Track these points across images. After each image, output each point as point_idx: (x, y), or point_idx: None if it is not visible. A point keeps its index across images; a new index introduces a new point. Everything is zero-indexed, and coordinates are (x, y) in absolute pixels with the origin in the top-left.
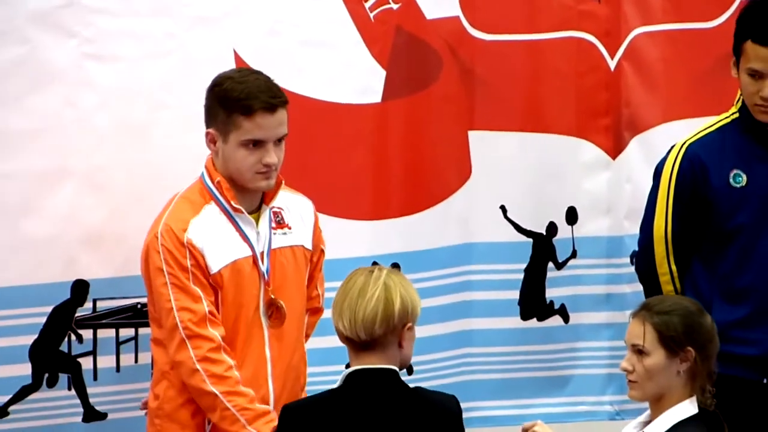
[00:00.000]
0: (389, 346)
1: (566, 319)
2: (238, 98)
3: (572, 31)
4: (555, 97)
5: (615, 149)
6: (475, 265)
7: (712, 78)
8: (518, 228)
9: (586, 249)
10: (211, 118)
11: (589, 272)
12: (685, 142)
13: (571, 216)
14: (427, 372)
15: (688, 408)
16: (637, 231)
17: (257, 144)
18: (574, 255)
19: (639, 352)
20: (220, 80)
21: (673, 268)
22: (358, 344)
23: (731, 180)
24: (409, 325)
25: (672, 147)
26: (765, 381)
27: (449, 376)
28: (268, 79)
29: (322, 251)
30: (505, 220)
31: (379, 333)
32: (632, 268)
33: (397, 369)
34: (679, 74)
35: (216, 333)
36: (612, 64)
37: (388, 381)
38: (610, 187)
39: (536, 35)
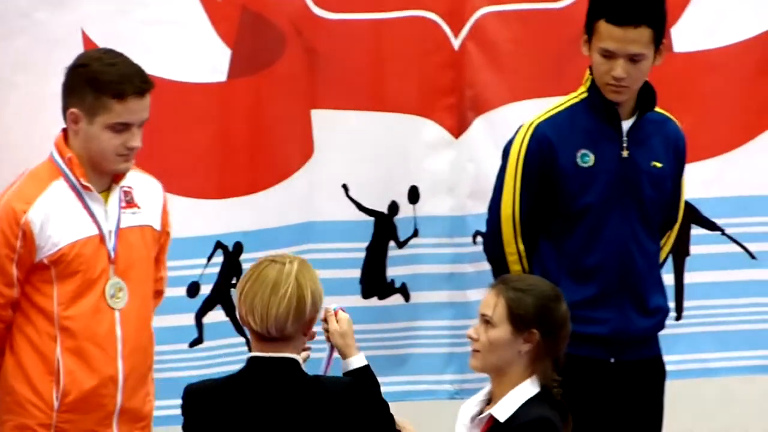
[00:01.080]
0: (296, 336)
1: (407, 297)
2: (110, 81)
3: (416, 10)
4: (398, 76)
5: (458, 129)
6: (317, 243)
7: (561, 58)
8: (360, 207)
9: (427, 228)
10: (74, 98)
11: (431, 251)
12: (533, 122)
13: (413, 195)
14: None
15: (529, 388)
16: (481, 211)
17: (123, 127)
18: (415, 234)
19: (486, 322)
20: (86, 60)
21: (521, 247)
22: (267, 338)
23: (578, 160)
24: (316, 315)
25: (520, 126)
26: (612, 360)
27: None
28: (134, 63)
29: (168, 234)
30: (347, 199)
31: (291, 331)
32: (475, 248)
33: (299, 358)
34: (527, 54)
35: (11, 314)
36: (456, 43)
37: (288, 371)
38: (453, 167)
39: (380, 14)
